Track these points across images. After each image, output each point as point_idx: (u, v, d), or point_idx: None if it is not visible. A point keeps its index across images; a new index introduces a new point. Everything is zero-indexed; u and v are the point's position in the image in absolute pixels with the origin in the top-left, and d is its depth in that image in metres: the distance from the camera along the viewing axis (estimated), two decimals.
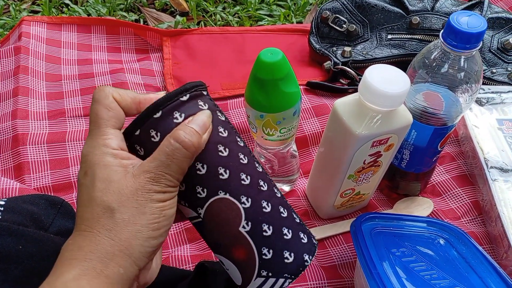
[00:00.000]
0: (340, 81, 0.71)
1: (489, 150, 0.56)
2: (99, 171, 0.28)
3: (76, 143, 0.61)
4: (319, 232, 0.54)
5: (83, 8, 0.89)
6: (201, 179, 0.31)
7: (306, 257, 0.33)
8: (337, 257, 0.51)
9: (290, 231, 0.33)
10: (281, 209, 0.33)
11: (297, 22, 0.89)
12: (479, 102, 0.61)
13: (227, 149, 0.31)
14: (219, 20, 0.90)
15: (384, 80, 0.42)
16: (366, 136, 0.44)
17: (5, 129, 0.61)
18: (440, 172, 0.60)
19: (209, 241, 0.33)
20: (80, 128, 0.64)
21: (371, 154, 0.47)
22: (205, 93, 0.32)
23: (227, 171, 0.31)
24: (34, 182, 0.57)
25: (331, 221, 0.56)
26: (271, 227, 0.32)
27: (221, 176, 0.31)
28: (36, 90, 0.67)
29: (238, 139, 0.33)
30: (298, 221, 0.34)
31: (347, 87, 0.69)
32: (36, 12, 0.91)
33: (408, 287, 0.39)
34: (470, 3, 0.73)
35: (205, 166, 0.30)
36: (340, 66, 0.69)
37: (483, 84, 0.66)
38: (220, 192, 0.31)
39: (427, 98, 0.47)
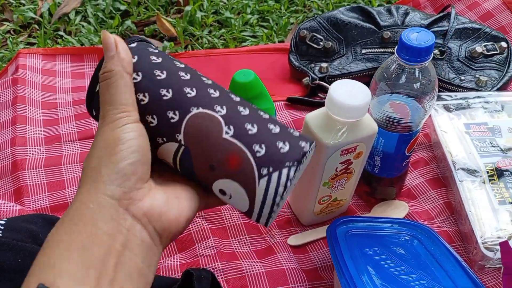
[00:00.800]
0: (318, 95, 0.75)
1: (457, 153, 0.59)
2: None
3: (72, 166, 0.65)
4: (300, 238, 0.57)
5: (77, 38, 0.95)
6: (169, 103, 0.31)
7: (303, 144, 0.31)
8: (317, 261, 0.55)
9: (276, 125, 0.32)
10: (261, 113, 0.33)
11: (279, 41, 0.94)
12: (447, 108, 0.65)
13: (188, 74, 0.32)
14: (205, 43, 0.95)
15: (347, 94, 0.46)
16: (334, 145, 0.48)
17: (5, 155, 0.65)
18: (414, 176, 0.64)
19: (201, 172, 0.32)
20: (75, 152, 0.68)
21: (342, 162, 0.51)
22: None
23: (194, 89, 0.32)
24: (33, 204, 0.61)
25: (312, 227, 0.59)
26: (255, 125, 0.31)
27: (188, 95, 0.31)
28: (33, 118, 0.71)
29: (199, 73, 0.34)
30: (282, 124, 0.33)
31: (324, 100, 0.73)
32: (32, 44, 0.96)
33: (376, 282, 0.42)
34: (438, 15, 0.78)
35: (170, 90, 0.31)
36: (317, 82, 0.73)
37: (453, 91, 0.70)
38: (193, 109, 0.31)
39: (393, 107, 0.51)
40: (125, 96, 0.31)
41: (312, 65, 0.78)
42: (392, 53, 0.75)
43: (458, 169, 0.57)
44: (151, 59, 0.33)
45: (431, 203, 0.61)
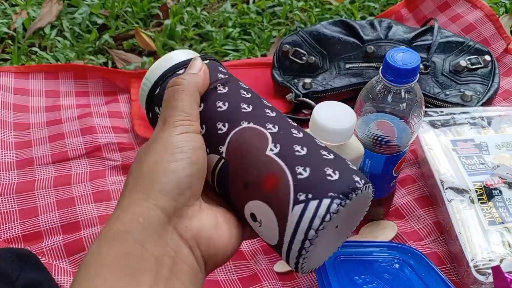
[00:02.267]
0: (303, 111, 0.73)
1: (445, 171, 0.58)
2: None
3: (45, 191, 0.62)
4: (286, 265, 0.55)
5: (52, 54, 0.91)
6: (222, 115, 0.30)
7: (357, 179, 0.27)
8: (306, 286, 0.53)
9: (331, 153, 0.28)
10: (317, 140, 0.30)
11: (261, 55, 0.92)
12: (433, 124, 0.64)
13: (249, 94, 0.32)
14: None
15: (331, 117, 0.44)
16: None
17: None
18: (402, 195, 0.62)
19: (234, 189, 0.29)
20: (49, 176, 0.64)
21: None
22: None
23: (250, 106, 0.30)
24: (3, 233, 0.58)
25: None
26: (304, 148, 0.28)
27: (243, 110, 0.30)
28: (4, 141, 0.67)
29: (262, 98, 0.33)
30: (339, 155, 0.30)
31: (309, 117, 0.71)
32: (6, 60, 0.92)
33: None
34: (422, 29, 0.77)
35: (226, 103, 0.31)
36: (300, 98, 0.72)
37: (439, 106, 0.69)
38: (243, 123, 0.29)
39: (380, 127, 0.50)
40: (192, 106, 0.30)
41: (296, 80, 0.76)
42: (376, 67, 0.73)
43: (446, 188, 0.56)
44: (217, 75, 0.33)
45: (420, 223, 0.59)
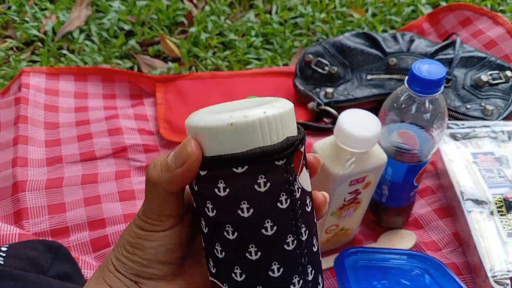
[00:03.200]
0: (324, 120, 0.75)
1: (464, 183, 0.59)
2: None
3: (73, 188, 0.64)
4: None
5: (80, 57, 0.94)
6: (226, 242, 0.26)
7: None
8: None
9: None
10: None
11: (283, 64, 0.94)
12: (454, 137, 0.65)
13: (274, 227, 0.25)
14: (209, 65, 0.95)
15: (357, 124, 0.46)
16: (343, 176, 0.47)
17: (6, 176, 0.64)
18: (421, 205, 0.63)
19: None
20: (77, 174, 0.66)
21: (350, 192, 0.50)
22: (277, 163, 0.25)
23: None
24: (32, 227, 0.60)
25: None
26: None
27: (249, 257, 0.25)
28: (35, 138, 0.70)
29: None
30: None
31: (330, 126, 0.73)
32: (35, 61, 0.96)
33: None
34: (444, 43, 0.78)
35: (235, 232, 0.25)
36: (322, 107, 0.73)
37: (459, 119, 0.70)
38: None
39: (402, 136, 0.51)
40: (166, 207, 0.27)
41: (317, 89, 0.78)
42: (398, 79, 0.75)
43: (466, 200, 0.57)
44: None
45: (438, 233, 0.60)
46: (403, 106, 0.48)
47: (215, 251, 0.26)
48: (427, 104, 0.47)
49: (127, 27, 1.04)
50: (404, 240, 0.59)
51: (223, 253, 0.26)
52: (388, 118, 0.50)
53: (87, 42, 0.99)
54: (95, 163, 0.69)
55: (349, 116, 0.47)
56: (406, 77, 0.46)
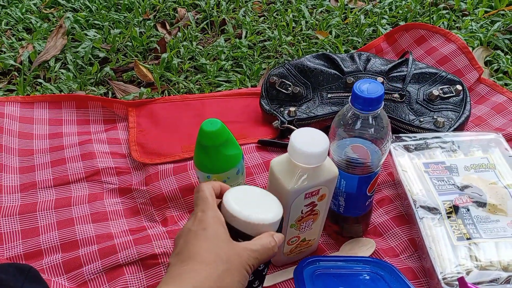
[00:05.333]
0: (288, 137, 0.79)
1: (417, 191, 0.63)
2: (216, 230, 0.42)
3: (46, 212, 0.66)
4: (271, 279, 0.58)
5: (56, 85, 0.97)
6: None
7: None
8: None
9: None
10: None
11: (251, 86, 0.98)
12: (407, 148, 0.69)
13: None
14: (182, 88, 0.98)
15: (307, 142, 0.49)
16: (297, 190, 0.51)
17: None
18: (380, 214, 0.67)
19: None
20: (50, 198, 0.69)
21: (307, 205, 0.53)
22: None
23: None
24: (6, 252, 0.61)
25: (284, 267, 0.61)
26: None
27: None
28: (9, 166, 0.72)
29: None
30: None
31: None
32: (12, 90, 0.98)
33: None
34: (398, 61, 0.84)
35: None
36: (285, 125, 0.77)
37: (413, 132, 0.75)
38: None
39: (355, 150, 0.55)
40: None
41: (282, 109, 0.82)
42: None
43: (418, 207, 0.61)
44: None
45: (396, 240, 0.63)
46: (349, 122, 0.52)
47: None
48: (370, 120, 0.51)
49: (102, 55, 1.07)
50: (364, 248, 0.62)
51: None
52: (338, 134, 0.53)
53: (63, 70, 1.02)
54: (68, 187, 0.71)
55: (300, 134, 0.51)
56: (350, 97, 0.51)
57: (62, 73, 1.01)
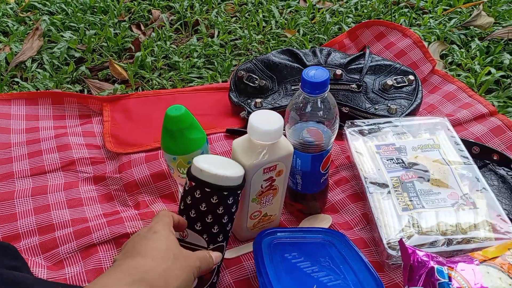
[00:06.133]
0: None
1: (369, 170, 0.69)
2: (167, 234, 0.46)
3: (23, 200, 0.70)
4: (235, 251, 0.63)
5: (32, 84, 1.01)
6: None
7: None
8: (249, 270, 0.61)
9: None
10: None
11: (222, 81, 1.03)
12: (362, 133, 0.75)
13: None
14: (155, 85, 1.03)
15: (263, 121, 0.55)
16: (256, 165, 0.56)
17: None
18: (337, 193, 0.72)
19: None
20: (27, 187, 0.72)
21: (266, 180, 0.59)
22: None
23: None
24: None
25: (247, 242, 0.66)
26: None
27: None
28: None
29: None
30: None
31: None
32: None
33: (291, 280, 0.49)
34: (355, 55, 0.90)
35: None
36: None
37: (369, 118, 0.81)
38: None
39: (310, 132, 0.60)
40: None
41: (249, 100, 0.87)
42: None
43: (369, 183, 0.66)
44: None
45: (350, 215, 0.69)
46: (301, 106, 0.57)
47: (190, 213, 0.53)
48: (319, 103, 0.57)
49: (77, 55, 1.11)
50: (322, 222, 0.68)
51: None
52: (291, 117, 0.59)
53: (39, 70, 1.06)
54: (45, 176, 0.75)
55: (257, 115, 0.56)
56: (300, 83, 0.56)
57: (38, 72, 1.05)
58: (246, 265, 0.62)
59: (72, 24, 1.23)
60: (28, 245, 0.64)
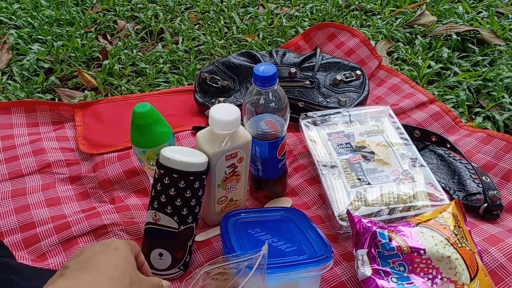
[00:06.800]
0: None
1: (321, 155, 0.77)
2: (127, 254, 0.44)
3: (3, 201, 0.74)
4: (205, 234, 0.70)
5: (4, 95, 1.04)
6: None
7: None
8: (219, 250, 0.68)
9: None
10: None
11: (188, 84, 1.10)
12: (315, 123, 0.83)
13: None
14: (124, 91, 1.08)
15: (222, 113, 0.62)
16: (218, 152, 0.63)
17: None
18: (296, 178, 0.80)
19: None
20: (6, 190, 0.77)
21: (229, 166, 0.66)
22: None
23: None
24: None
25: (217, 226, 0.72)
26: None
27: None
28: None
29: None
30: None
31: None
32: None
33: (252, 248, 0.56)
34: (308, 54, 0.99)
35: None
36: None
37: (321, 110, 0.89)
38: None
39: (267, 124, 0.68)
40: None
41: (213, 100, 0.94)
42: None
43: (321, 166, 0.75)
44: None
45: (308, 197, 0.77)
46: (255, 99, 0.65)
47: (160, 198, 0.60)
48: (270, 95, 0.64)
49: (46, 65, 1.16)
50: (283, 204, 0.75)
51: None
52: (247, 110, 0.66)
53: (10, 81, 1.09)
54: (22, 179, 0.79)
55: (217, 108, 0.63)
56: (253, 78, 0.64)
57: (9, 84, 1.08)
58: (215, 246, 0.69)
59: (39, 36, 1.27)
60: (11, 241, 0.68)
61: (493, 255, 0.62)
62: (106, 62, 1.13)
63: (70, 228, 0.70)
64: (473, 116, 0.98)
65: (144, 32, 1.32)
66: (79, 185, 0.80)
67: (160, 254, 0.61)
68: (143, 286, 0.43)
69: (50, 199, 0.76)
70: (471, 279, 0.56)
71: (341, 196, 0.70)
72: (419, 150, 0.79)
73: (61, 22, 1.36)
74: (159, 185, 0.60)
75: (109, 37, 1.31)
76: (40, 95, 1.06)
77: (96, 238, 0.69)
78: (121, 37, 1.29)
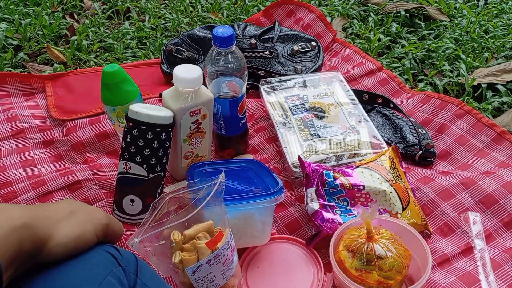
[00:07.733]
0: None
1: (278, 115, 0.85)
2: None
3: None
4: (173, 186, 0.77)
5: None
6: None
7: None
8: None
9: None
10: None
11: (155, 58, 1.15)
12: (273, 88, 0.91)
13: None
14: (92, 65, 1.13)
15: (185, 72, 0.69)
16: (182, 108, 0.70)
17: None
18: (257, 138, 0.88)
19: None
20: None
21: (193, 122, 0.72)
22: None
23: None
24: None
25: (183, 180, 0.79)
26: None
27: None
28: None
29: None
30: None
31: None
32: None
33: None
34: (267, 27, 1.06)
35: None
36: None
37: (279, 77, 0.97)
38: None
39: (229, 86, 0.75)
40: None
41: None
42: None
43: (278, 124, 0.83)
44: None
45: (268, 153, 0.85)
46: (215, 60, 0.72)
47: (130, 149, 0.67)
48: (229, 57, 0.71)
49: (15, 43, 1.18)
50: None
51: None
52: (208, 70, 0.73)
53: None
54: None
55: (180, 68, 0.70)
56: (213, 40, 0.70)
57: None
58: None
59: (6, 16, 1.29)
60: None
61: (424, 192, 0.72)
62: (74, 38, 1.16)
63: (46, 184, 0.75)
64: (417, 83, 1.08)
65: (110, 11, 1.35)
66: (52, 148, 0.85)
67: (132, 200, 0.68)
68: (93, 214, 0.48)
69: (25, 161, 0.81)
70: (403, 209, 0.66)
71: (295, 148, 0.78)
72: (367, 111, 0.88)
73: (27, 3, 1.38)
74: (128, 137, 0.66)
75: (76, 16, 1.34)
76: (10, 69, 1.09)
77: (71, 193, 0.74)
78: (88, 15, 1.32)
